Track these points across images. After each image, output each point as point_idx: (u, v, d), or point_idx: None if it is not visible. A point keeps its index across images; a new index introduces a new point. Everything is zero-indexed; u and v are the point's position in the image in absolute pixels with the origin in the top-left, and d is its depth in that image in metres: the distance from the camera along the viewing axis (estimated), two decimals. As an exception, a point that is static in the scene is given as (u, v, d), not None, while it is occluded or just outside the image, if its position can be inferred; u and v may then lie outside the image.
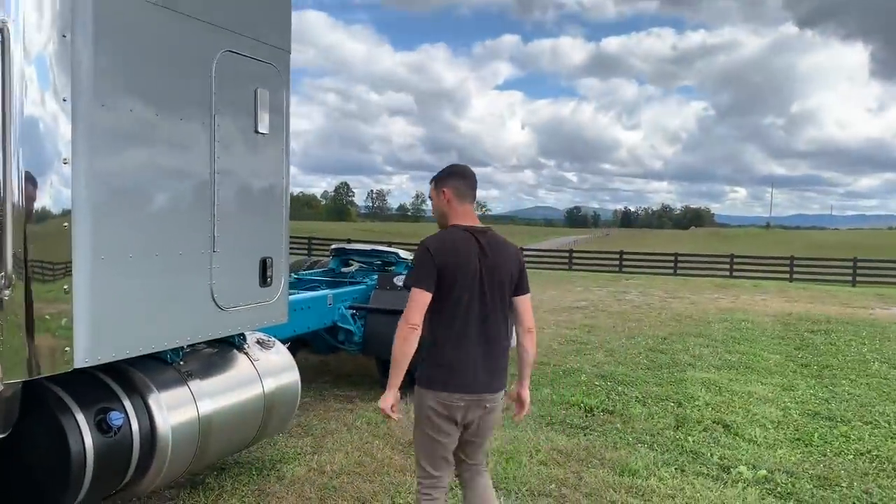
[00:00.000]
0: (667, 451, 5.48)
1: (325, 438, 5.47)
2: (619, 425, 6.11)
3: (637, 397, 7.12)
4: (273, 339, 4.80)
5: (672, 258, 30.63)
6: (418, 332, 3.04)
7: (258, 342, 4.69)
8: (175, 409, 3.75)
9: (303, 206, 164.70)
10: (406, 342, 3.03)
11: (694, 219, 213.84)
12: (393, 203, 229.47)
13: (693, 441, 5.73)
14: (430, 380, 3.14)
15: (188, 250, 3.68)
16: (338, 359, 8.01)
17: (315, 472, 4.76)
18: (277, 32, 4.26)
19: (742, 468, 5.09)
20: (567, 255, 34.05)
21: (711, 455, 5.40)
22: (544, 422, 6.10)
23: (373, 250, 8.03)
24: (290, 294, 6.63)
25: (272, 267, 4.33)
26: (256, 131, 4.13)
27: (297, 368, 4.79)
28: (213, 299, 3.87)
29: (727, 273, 28.27)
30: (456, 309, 3.12)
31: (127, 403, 3.57)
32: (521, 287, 3.39)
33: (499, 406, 3.31)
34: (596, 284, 20.98)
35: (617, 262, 31.56)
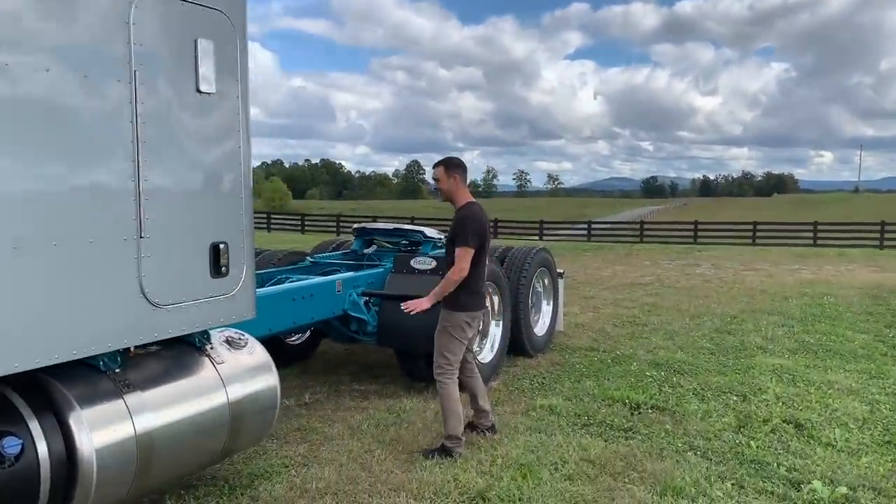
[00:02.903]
0: (723, 460, 4.58)
1: (323, 446, 4.80)
2: (668, 426, 5.23)
3: (694, 389, 6.20)
4: (246, 336, 4.14)
5: (750, 227, 28.88)
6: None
7: (227, 341, 4.03)
8: (103, 428, 3.12)
9: (375, 186, 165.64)
10: (457, 282, 4.59)
11: (776, 185, 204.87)
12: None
13: (756, 446, 4.81)
14: (465, 304, 4.70)
15: (102, 237, 3.02)
16: (364, 348, 7.35)
17: (296, 491, 4.08)
18: (223, -32, 3.53)
19: (816, 483, 4.15)
20: (638, 227, 32.60)
21: (778, 466, 4.48)
22: (579, 423, 5.27)
23: (396, 229, 7.30)
24: (298, 280, 6.00)
25: (227, 254, 3.64)
26: (199, 91, 3.43)
27: (275, 370, 4.12)
28: (144, 295, 3.21)
29: (810, 242, 26.43)
30: (481, 257, 4.68)
31: (34, 425, 2.96)
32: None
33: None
34: (666, 258, 19.75)
35: (691, 233, 29.99)
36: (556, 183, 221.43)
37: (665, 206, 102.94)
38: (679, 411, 5.58)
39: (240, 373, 3.92)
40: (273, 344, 6.75)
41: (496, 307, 6.66)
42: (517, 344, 7.13)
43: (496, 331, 6.65)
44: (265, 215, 42.76)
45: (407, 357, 6.09)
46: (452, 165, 4.81)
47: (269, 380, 4.09)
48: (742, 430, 5.17)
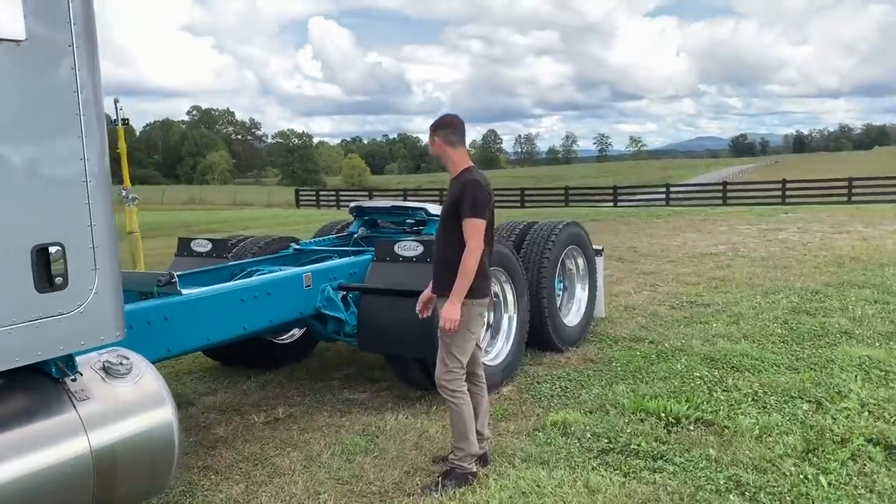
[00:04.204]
0: (778, 508, 3.40)
1: (264, 487, 3.87)
2: (712, 450, 4.05)
3: (754, 394, 4.97)
4: (131, 359, 3.20)
5: (845, 184, 26.45)
6: None
7: (104, 367, 3.12)
8: None
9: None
10: (477, 263, 3.67)
11: (878, 138, 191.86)
12: (542, 146, 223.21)
13: (828, 484, 3.60)
14: (479, 290, 3.76)
15: None
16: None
17: (198, 558, 3.17)
18: None
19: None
20: (720, 188, 30.44)
21: (856, 517, 3.28)
22: (596, 448, 4.15)
23: (394, 207, 6.28)
24: (266, 273, 5.07)
25: (64, 260, 2.70)
26: (-5, 39, 2.48)
27: (169, 401, 3.18)
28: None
29: (916, 197, 23.88)
30: (489, 231, 3.82)
31: None
32: None
33: None
34: (746, 222, 17.98)
35: (779, 193, 27.75)
36: (638, 145, 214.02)
37: (755, 165, 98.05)
38: (729, 427, 4.38)
39: (113, 410, 3.00)
40: (261, 344, 5.93)
41: (508, 298, 5.56)
42: (541, 338, 6.03)
43: (507, 326, 5.56)
44: (334, 193, 42.64)
45: (397, 361, 5.10)
46: (439, 125, 3.91)
47: (161, 415, 3.16)
48: (810, 455, 3.95)
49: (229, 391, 5.61)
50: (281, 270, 5.16)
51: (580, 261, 6.72)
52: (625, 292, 8.86)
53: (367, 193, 40.36)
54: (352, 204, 6.61)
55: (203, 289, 4.36)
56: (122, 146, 5.52)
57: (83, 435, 2.85)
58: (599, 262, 7.03)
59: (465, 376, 3.85)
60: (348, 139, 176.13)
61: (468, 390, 3.92)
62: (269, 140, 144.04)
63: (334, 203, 38.61)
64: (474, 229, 3.67)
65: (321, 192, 44.55)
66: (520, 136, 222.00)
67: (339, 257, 5.71)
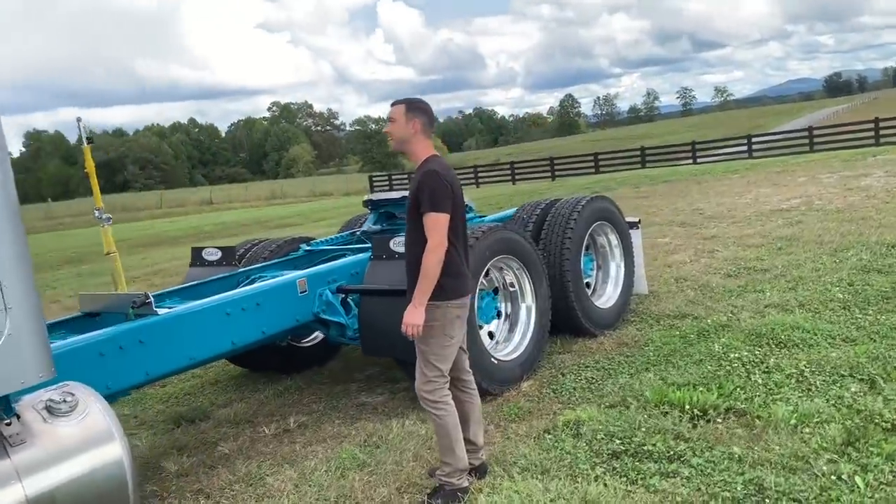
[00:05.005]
0: (800, 518, 2.96)
1: (246, 511, 3.69)
2: (738, 447, 3.60)
3: (799, 374, 4.45)
4: (77, 395, 3.04)
5: (947, 118, 24.37)
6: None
7: (47, 407, 2.98)
8: None
9: (529, 127, 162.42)
10: (440, 262, 3.35)
11: None
12: (623, 106, 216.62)
13: (866, 486, 3.11)
14: (453, 290, 3.47)
15: None
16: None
17: None
18: None
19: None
20: (806, 135, 28.63)
21: (893, 529, 2.81)
22: (606, 451, 3.76)
23: (403, 198, 5.98)
24: (271, 278, 4.89)
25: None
26: None
27: (119, 438, 3.01)
28: None
29: None
30: (457, 224, 3.48)
31: None
32: None
33: None
34: (829, 169, 16.73)
35: (872, 134, 25.84)
36: (724, 96, 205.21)
37: (851, 104, 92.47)
38: (762, 417, 3.91)
39: (53, 453, 2.86)
40: (283, 348, 5.80)
41: (525, 286, 5.19)
42: (570, 323, 5.65)
43: (526, 317, 5.20)
44: (407, 176, 42.60)
45: (405, 365, 4.84)
46: (415, 107, 3.57)
47: (108, 452, 2.98)
48: (850, 449, 3.45)
49: (247, 401, 5.49)
50: (282, 276, 4.97)
51: (612, 237, 6.26)
52: (679, 262, 8.30)
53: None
54: (364, 198, 6.35)
55: (183, 306, 4.20)
56: (90, 164, 5.44)
57: (17, 483, 2.72)
58: (636, 235, 6.55)
59: (447, 385, 3.54)
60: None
61: (456, 398, 3.62)
62: (348, 128, 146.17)
63: (407, 187, 38.56)
64: (434, 225, 3.36)
65: (394, 177, 44.65)
66: (598, 97, 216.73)
67: (353, 255, 5.49)
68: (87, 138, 5.30)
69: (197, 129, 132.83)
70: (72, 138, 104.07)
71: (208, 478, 4.17)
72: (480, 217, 6.22)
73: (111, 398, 3.98)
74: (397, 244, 4.70)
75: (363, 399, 5.21)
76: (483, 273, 4.83)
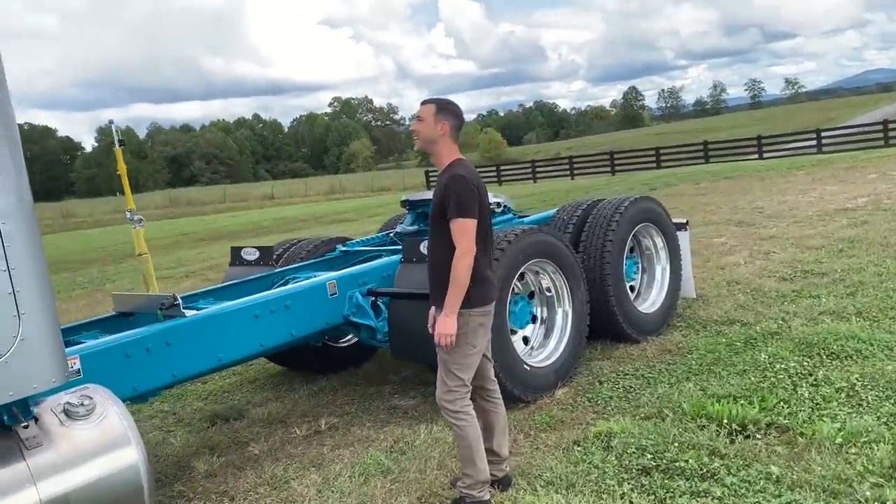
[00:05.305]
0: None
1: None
2: (776, 467, 3.41)
3: (850, 387, 4.20)
4: (95, 398, 3.05)
5: None
6: None
7: (65, 410, 3.01)
8: None
9: (591, 120, 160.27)
10: (470, 268, 3.27)
11: None
12: (689, 98, 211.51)
13: (911, 515, 2.89)
14: (477, 298, 3.35)
15: None
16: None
17: None
18: None
19: None
20: (881, 129, 27.41)
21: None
22: (635, 467, 3.60)
23: (439, 199, 5.88)
24: (305, 280, 4.88)
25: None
26: None
27: (136, 442, 3.02)
28: None
29: None
30: (483, 231, 3.40)
31: None
32: None
33: None
34: (903, 165, 15.97)
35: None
36: (795, 87, 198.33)
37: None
38: (806, 434, 3.70)
39: (69, 456, 2.88)
40: (319, 348, 5.79)
41: (561, 291, 5.05)
42: (611, 328, 5.49)
43: (562, 322, 5.05)
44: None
45: (435, 369, 4.75)
46: (445, 109, 3.47)
47: (124, 456, 2.99)
48: (899, 473, 3.22)
49: (282, 400, 5.50)
50: (314, 277, 4.95)
51: (658, 239, 6.04)
52: (733, 264, 8.00)
53: (494, 168, 39.82)
54: (402, 197, 6.29)
55: (211, 308, 4.21)
56: (122, 168, 5.50)
57: (31, 486, 2.74)
58: (684, 237, 6.31)
59: (468, 394, 3.44)
60: (484, 113, 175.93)
61: (480, 407, 3.53)
62: (408, 123, 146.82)
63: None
64: (462, 230, 3.26)
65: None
66: (663, 90, 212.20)
67: (387, 256, 5.44)
68: (120, 141, 5.39)
69: (261, 125, 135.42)
70: (141, 134, 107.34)
71: (235, 479, 4.17)
72: (520, 218, 6.10)
73: (140, 399, 4.03)
74: (427, 247, 4.61)
75: (395, 402, 5.15)
76: (517, 276, 4.71)
